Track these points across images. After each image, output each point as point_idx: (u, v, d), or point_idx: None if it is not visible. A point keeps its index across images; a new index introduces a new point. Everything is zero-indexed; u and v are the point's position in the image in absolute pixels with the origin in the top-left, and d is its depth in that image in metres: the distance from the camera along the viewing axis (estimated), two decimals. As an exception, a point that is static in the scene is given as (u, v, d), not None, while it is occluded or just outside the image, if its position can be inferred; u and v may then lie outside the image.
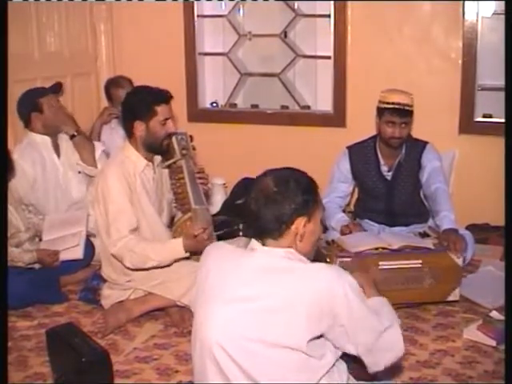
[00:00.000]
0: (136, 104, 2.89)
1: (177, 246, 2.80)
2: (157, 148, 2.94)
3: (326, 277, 1.67)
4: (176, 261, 2.88)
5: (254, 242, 1.78)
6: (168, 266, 2.87)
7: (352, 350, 1.72)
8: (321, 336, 1.69)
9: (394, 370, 2.47)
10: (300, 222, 1.74)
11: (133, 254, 2.77)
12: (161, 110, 2.88)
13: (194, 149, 3.18)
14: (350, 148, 3.45)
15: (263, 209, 1.72)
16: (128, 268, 2.85)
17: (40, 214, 3.46)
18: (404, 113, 3.18)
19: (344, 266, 2.76)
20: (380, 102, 3.26)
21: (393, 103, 3.18)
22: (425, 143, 3.37)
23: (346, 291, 1.66)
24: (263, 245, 1.76)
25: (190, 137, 3.14)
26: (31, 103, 3.46)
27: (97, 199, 2.88)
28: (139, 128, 2.88)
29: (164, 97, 2.90)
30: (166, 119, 2.89)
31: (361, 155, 3.41)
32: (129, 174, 2.88)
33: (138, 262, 2.80)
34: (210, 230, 2.90)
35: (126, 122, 2.95)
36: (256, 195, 1.74)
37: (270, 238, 1.75)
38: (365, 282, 1.99)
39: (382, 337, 1.73)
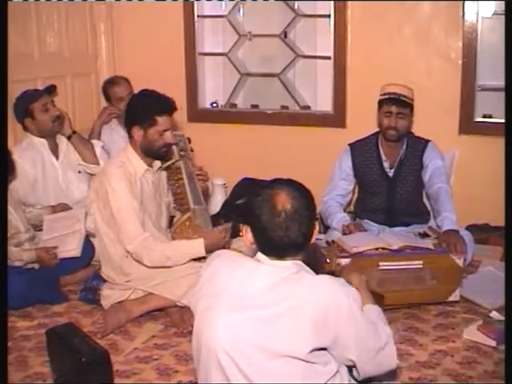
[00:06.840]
0: (138, 109, 2.88)
1: (198, 246, 2.82)
2: (153, 155, 2.95)
3: (331, 288, 1.67)
4: None
5: (261, 256, 1.75)
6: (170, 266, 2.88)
7: (351, 363, 1.74)
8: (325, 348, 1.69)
9: (394, 370, 2.47)
10: (315, 232, 1.76)
11: (151, 251, 2.79)
12: (161, 120, 2.85)
13: (191, 150, 3.18)
14: (351, 145, 3.46)
15: (289, 231, 1.67)
16: (147, 266, 2.85)
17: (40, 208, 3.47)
18: (400, 103, 3.21)
19: (340, 267, 2.75)
20: (380, 94, 3.32)
21: (389, 93, 3.24)
22: (426, 141, 3.38)
23: (351, 303, 1.67)
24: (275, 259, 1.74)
25: (188, 139, 3.15)
26: (23, 109, 3.45)
27: (101, 200, 2.88)
28: (137, 133, 2.88)
29: (168, 107, 2.88)
30: (165, 130, 2.87)
31: (363, 152, 3.42)
32: (130, 176, 2.88)
33: (158, 260, 2.81)
34: (229, 232, 2.93)
35: (126, 124, 2.97)
36: (274, 218, 1.67)
37: (290, 256, 1.73)
38: (360, 285, 1.99)
39: (379, 353, 1.74)
